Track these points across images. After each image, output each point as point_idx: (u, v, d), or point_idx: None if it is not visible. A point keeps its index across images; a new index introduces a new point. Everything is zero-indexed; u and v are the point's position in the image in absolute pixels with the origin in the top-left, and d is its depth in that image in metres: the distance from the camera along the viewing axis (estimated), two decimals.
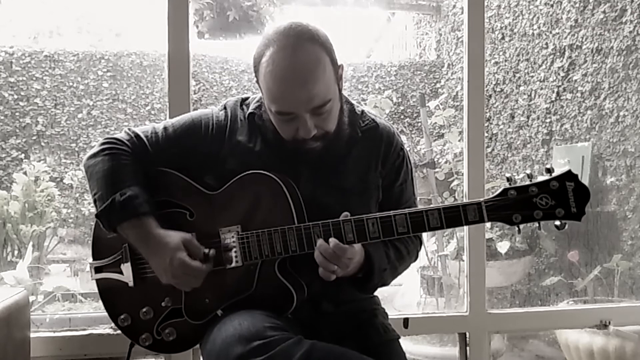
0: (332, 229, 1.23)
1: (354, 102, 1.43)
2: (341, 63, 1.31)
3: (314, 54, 1.22)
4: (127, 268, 1.33)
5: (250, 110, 1.38)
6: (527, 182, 1.20)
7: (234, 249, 1.28)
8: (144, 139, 1.35)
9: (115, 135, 1.36)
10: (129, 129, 1.38)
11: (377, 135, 1.41)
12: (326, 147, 1.30)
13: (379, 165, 1.40)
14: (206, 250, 1.27)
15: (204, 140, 1.36)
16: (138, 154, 1.33)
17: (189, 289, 1.28)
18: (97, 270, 1.37)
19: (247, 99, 1.43)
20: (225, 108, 1.41)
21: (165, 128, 1.38)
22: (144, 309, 1.33)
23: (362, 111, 1.43)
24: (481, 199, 1.21)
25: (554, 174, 1.19)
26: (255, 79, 1.31)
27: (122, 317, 1.35)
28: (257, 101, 1.39)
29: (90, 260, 1.38)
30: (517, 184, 1.20)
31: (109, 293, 1.38)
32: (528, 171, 1.22)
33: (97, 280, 1.38)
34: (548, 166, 1.21)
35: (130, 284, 1.33)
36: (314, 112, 1.23)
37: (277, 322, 1.17)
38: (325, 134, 1.28)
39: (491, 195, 1.21)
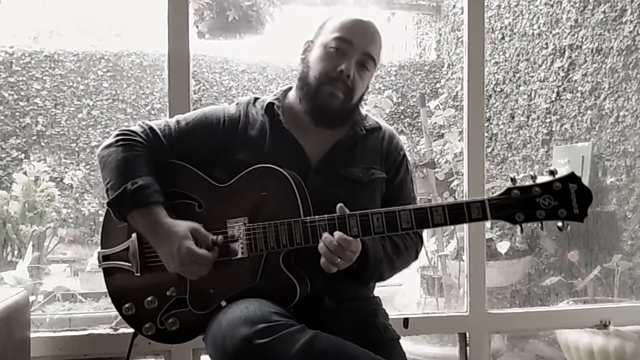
0: (338, 223, 1.25)
1: None
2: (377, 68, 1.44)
3: (379, 32, 1.43)
4: (134, 256, 1.35)
5: (269, 100, 1.44)
6: (531, 183, 1.21)
7: (240, 241, 1.30)
8: (158, 131, 1.39)
9: (130, 128, 1.39)
10: (143, 122, 1.41)
11: (380, 134, 1.49)
12: (338, 116, 1.38)
13: (383, 162, 1.46)
14: (214, 237, 1.29)
15: (216, 133, 1.40)
16: (152, 146, 1.37)
17: (195, 278, 1.29)
18: (105, 258, 1.39)
19: (259, 98, 1.49)
20: (237, 104, 1.47)
21: (178, 122, 1.42)
22: (149, 298, 1.34)
23: (366, 114, 1.50)
24: (485, 197, 1.23)
25: (557, 176, 1.21)
26: (308, 43, 1.44)
27: (126, 305, 1.36)
28: (276, 94, 1.46)
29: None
30: (521, 184, 1.22)
31: (115, 281, 1.39)
32: (528, 171, 1.23)
33: (104, 269, 1.40)
34: (552, 168, 1.22)
35: (137, 272, 1.35)
36: (362, 58, 1.37)
37: (282, 310, 1.20)
38: (349, 94, 1.36)
39: (495, 194, 1.23)
